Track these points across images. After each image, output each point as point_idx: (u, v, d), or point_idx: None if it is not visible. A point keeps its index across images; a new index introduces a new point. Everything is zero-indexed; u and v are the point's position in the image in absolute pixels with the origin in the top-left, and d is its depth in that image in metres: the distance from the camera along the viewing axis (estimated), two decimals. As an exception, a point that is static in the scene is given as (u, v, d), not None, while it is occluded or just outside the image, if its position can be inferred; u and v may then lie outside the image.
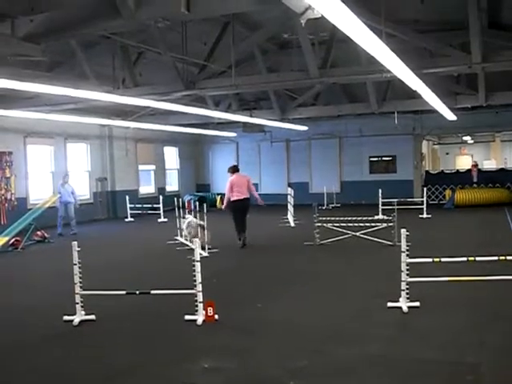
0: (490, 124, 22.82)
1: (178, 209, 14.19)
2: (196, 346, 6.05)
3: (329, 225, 12.65)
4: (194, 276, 6.71)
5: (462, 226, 16.31)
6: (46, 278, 10.29)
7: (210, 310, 6.74)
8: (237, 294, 8.49)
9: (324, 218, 12.72)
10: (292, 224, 16.79)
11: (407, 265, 6.96)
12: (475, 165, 25.10)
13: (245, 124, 20.75)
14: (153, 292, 7.16)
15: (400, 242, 7.16)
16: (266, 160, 26.35)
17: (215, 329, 6.58)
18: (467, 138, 31.97)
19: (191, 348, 6.01)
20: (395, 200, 15.48)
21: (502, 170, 24.93)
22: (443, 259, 7.06)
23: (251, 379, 5.16)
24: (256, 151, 26.46)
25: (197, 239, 7.23)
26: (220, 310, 6.84)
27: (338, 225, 12.57)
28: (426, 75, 10.97)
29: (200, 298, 6.74)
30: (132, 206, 20.38)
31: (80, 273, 6.98)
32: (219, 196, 23.31)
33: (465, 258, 7.03)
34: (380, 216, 16.35)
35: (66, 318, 7.00)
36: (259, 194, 13.75)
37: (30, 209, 15.82)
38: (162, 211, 19.47)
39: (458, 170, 26.04)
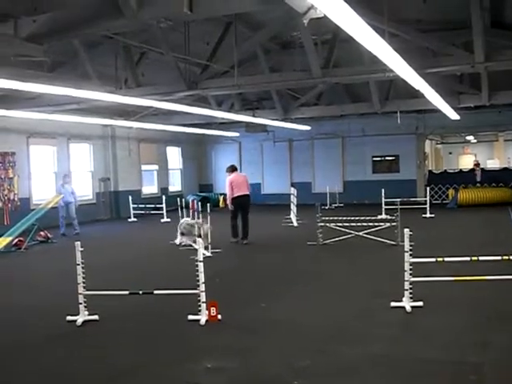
0: (493, 123, 22.78)
1: (181, 209, 14.19)
2: (199, 346, 6.06)
3: (332, 224, 12.64)
4: (197, 276, 6.71)
5: (466, 225, 16.29)
6: (49, 278, 10.30)
7: (213, 310, 6.74)
8: (240, 293, 8.49)
9: (327, 218, 12.71)
10: (295, 224, 16.79)
11: (410, 264, 6.95)
12: (477, 164, 25.03)
13: (247, 124, 20.75)
14: (156, 292, 7.16)
15: (403, 241, 7.15)
16: (268, 160, 26.34)
17: (218, 329, 6.58)
18: (470, 138, 31.90)
19: (194, 348, 6.01)
20: (398, 200, 15.43)
21: (505, 169, 24.86)
22: (446, 259, 7.04)
23: (254, 379, 5.16)
24: (259, 151, 26.46)
25: (199, 239, 7.23)
26: (223, 309, 6.84)
27: (340, 224, 12.56)
28: (429, 75, 10.95)
29: (203, 297, 6.74)
30: (135, 206, 20.37)
31: (83, 273, 6.99)
32: (222, 196, 23.34)
33: (468, 258, 7.02)
34: (383, 216, 16.39)
35: (69, 318, 7.01)
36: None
37: (33, 209, 15.87)
38: (164, 211, 19.49)
39: (461, 170, 25.98)
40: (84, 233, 16.13)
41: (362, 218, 12.48)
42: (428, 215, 17.87)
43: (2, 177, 16.79)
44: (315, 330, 6.45)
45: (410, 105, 17.65)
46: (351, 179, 24.91)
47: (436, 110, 16.82)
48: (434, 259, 7.02)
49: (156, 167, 24.56)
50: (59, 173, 18.57)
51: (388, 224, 12.22)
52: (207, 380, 5.22)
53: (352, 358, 5.53)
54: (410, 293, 7.01)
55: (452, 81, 15.89)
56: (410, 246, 6.93)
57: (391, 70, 9.48)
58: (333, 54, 11.58)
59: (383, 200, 17.83)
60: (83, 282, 6.97)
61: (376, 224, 12.55)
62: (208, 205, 12.61)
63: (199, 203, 13.08)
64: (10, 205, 16.93)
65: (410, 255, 6.93)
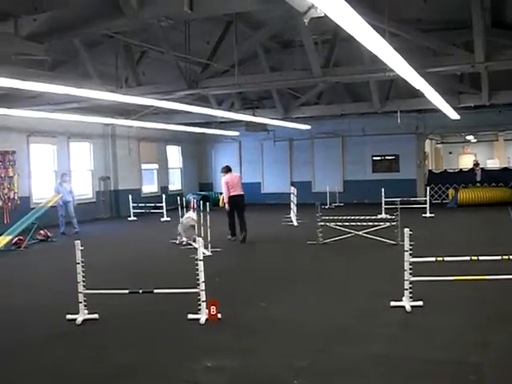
0: (494, 123, 22.79)
1: (181, 208, 14.20)
2: (199, 345, 6.06)
3: (332, 224, 12.64)
4: (197, 275, 6.72)
5: (466, 225, 16.30)
6: (48, 277, 10.31)
7: (213, 309, 6.74)
8: (240, 292, 8.49)
9: (327, 217, 12.72)
10: (295, 223, 16.79)
11: (410, 264, 6.96)
12: (476, 163, 25.00)
13: (248, 123, 20.72)
14: (156, 291, 7.16)
15: (403, 241, 7.15)
16: (268, 159, 26.32)
17: (218, 328, 6.58)
18: (470, 137, 31.91)
19: (194, 347, 6.01)
20: (398, 199, 15.43)
21: (505, 169, 24.84)
22: (446, 258, 7.05)
23: (254, 378, 5.16)
24: (259, 150, 26.44)
25: (199, 238, 7.23)
26: (223, 308, 6.84)
27: (340, 224, 12.56)
28: (430, 74, 10.95)
29: (203, 296, 6.74)
30: (135, 205, 20.37)
31: (83, 272, 6.99)
32: (222, 195, 23.31)
33: (468, 258, 7.02)
34: (383, 215, 16.39)
35: (69, 316, 7.01)
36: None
37: (33, 208, 15.87)
38: (164, 210, 19.50)
39: (461, 169, 25.98)
40: (84, 232, 16.14)
41: (362, 217, 12.48)
42: (428, 215, 17.87)
43: (2, 175, 16.79)
44: (315, 330, 6.46)
45: (410, 104, 17.64)
46: (351, 179, 24.90)
47: (436, 110, 16.81)
48: (433, 259, 7.03)
49: (156, 166, 24.56)
50: (59, 171, 18.56)
51: (388, 223, 12.22)
52: (207, 379, 5.22)
53: (352, 358, 5.53)
54: (410, 292, 7.01)
55: (452, 80, 15.88)
56: (410, 245, 6.93)
57: (391, 70, 9.48)
58: (333, 53, 11.58)
59: (383, 199, 17.82)
60: (83, 281, 6.97)
61: (376, 223, 12.55)
62: (208, 204, 12.62)
63: (200, 202, 13.11)
64: (9, 203, 16.93)
65: (410, 255, 6.94)
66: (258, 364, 5.46)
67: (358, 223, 12.41)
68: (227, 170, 13.97)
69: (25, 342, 6.40)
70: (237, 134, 24.62)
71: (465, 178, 23.61)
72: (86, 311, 7.02)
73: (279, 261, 11.22)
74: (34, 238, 14.43)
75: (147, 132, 22.19)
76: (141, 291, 7.17)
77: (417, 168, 24.00)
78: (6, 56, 9.13)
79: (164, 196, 20.17)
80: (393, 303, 7.12)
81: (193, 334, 6.42)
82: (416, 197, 21.60)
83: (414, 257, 6.95)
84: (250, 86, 13.11)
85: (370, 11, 9.10)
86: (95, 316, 7.02)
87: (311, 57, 11.08)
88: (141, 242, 14.77)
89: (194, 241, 11.30)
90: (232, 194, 13.49)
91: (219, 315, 6.77)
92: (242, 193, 13.76)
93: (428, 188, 19.76)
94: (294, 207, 17.55)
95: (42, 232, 14.79)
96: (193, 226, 12.63)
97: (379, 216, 15.79)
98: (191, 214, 12.96)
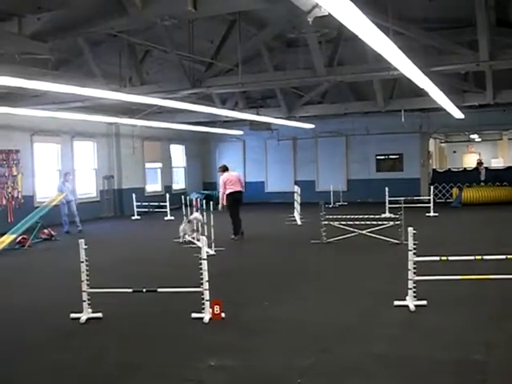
0: (498, 122, 22.73)
1: (185, 207, 14.20)
2: (202, 344, 6.06)
3: (335, 223, 12.62)
4: (201, 274, 6.72)
5: (469, 224, 16.27)
6: (52, 276, 10.32)
7: (217, 308, 6.74)
8: (243, 292, 8.49)
9: (331, 216, 12.70)
10: (299, 222, 16.78)
11: (414, 263, 6.94)
12: (480, 162, 24.92)
13: (251, 122, 20.73)
14: (159, 290, 7.17)
15: (407, 240, 7.14)
16: (272, 158, 26.30)
17: (222, 327, 6.58)
18: (474, 136, 31.82)
19: (197, 346, 6.01)
20: (402, 198, 15.42)
21: (509, 168, 24.72)
22: (450, 258, 7.02)
23: (257, 377, 5.16)
24: (263, 149, 26.43)
25: (203, 237, 7.24)
26: (227, 308, 6.84)
27: (344, 223, 12.54)
28: (434, 73, 10.93)
29: (207, 296, 6.74)
30: (138, 203, 20.40)
31: (87, 270, 7.00)
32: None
33: (472, 257, 7.00)
34: (387, 214, 16.37)
35: (72, 315, 7.02)
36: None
37: (37, 207, 15.89)
38: (168, 209, 19.50)
39: (465, 169, 25.93)
40: (87, 230, 16.16)
41: (366, 216, 12.49)
42: (432, 214, 17.83)
43: (6, 174, 16.82)
44: (318, 329, 6.45)
45: (414, 103, 17.63)
46: (355, 178, 24.87)
47: (440, 109, 16.77)
48: (437, 258, 7.01)
49: (160, 165, 24.56)
50: (63, 171, 18.59)
51: (392, 223, 12.20)
52: (210, 378, 5.21)
53: (356, 357, 5.51)
54: (414, 291, 7.00)
55: (456, 79, 15.85)
56: (414, 244, 6.91)
57: (395, 69, 9.47)
58: (337, 52, 11.58)
59: (387, 198, 17.79)
60: (87, 280, 6.98)
61: (380, 222, 12.54)
62: (211, 203, 12.61)
63: (203, 201, 13.12)
64: (13, 202, 16.96)
65: (414, 254, 6.92)
66: (262, 363, 5.46)
67: (362, 222, 12.40)
68: (224, 168, 14.04)
69: (27, 340, 6.40)
70: (241, 133, 24.63)
71: (469, 177, 23.56)
72: (90, 310, 7.03)
73: (283, 260, 11.21)
74: (37, 237, 14.45)
75: (151, 131, 22.20)
76: (145, 290, 7.18)
77: (421, 167, 23.97)
78: (10, 55, 9.15)
79: (168, 195, 20.17)
80: (397, 302, 7.11)
81: (196, 333, 6.42)
82: (420, 196, 21.58)
83: (417, 256, 6.93)
84: (253, 85, 13.12)
85: (374, 10, 9.07)
86: (99, 315, 7.03)
87: (315, 56, 11.07)
88: (144, 241, 14.78)
89: (198, 240, 11.31)
90: (231, 190, 13.54)
91: (223, 314, 6.77)
92: (240, 189, 13.86)
93: (432, 187, 19.74)
94: (297, 206, 17.55)
95: (45, 231, 14.81)
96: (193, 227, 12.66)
97: (383, 215, 15.79)
98: (197, 215, 12.96)
